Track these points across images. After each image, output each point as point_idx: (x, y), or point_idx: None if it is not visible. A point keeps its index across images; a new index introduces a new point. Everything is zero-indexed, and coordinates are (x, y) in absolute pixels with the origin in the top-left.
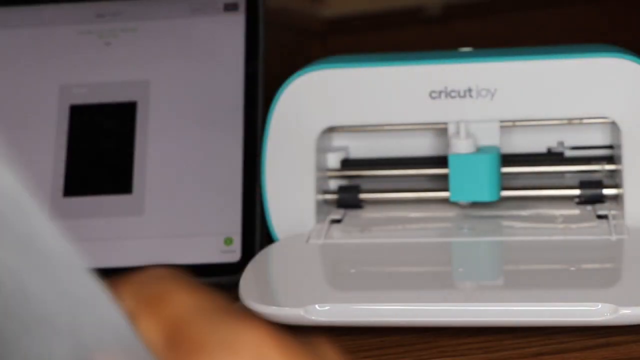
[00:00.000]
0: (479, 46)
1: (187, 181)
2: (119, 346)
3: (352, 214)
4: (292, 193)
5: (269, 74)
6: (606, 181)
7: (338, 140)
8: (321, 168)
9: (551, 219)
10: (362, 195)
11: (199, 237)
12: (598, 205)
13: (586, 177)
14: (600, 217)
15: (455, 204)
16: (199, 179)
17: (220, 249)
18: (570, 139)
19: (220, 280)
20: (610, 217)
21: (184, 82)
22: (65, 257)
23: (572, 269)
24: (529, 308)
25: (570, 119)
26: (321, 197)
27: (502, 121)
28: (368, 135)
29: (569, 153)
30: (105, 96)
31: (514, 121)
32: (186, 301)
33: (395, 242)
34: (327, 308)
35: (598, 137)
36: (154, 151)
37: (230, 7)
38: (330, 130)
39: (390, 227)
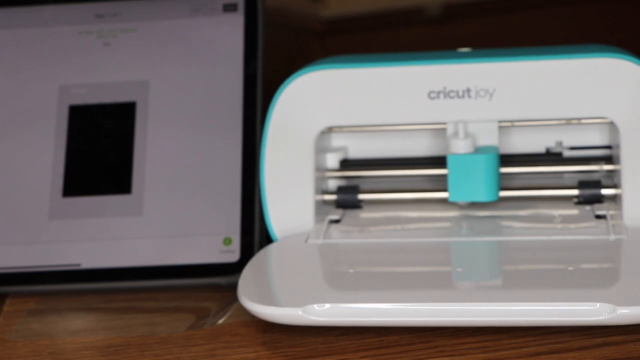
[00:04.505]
0: (479, 46)
1: (186, 181)
2: None
3: (351, 214)
4: (291, 193)
5: (269, 74)
6: (605, 181)
7: (337, 141)
8: (320, 168)
9: (550, 219)
10: (361, 196)
11: (198, 237)
12: (596, 205)
13: (585, 177)
14: (598, 217)
15: (454, 204)
16: (197, 179)
17: (219, 249)
18: (569, 139)
19: (219, 280)
20: (608, 217)
21: (183, 83)
22: None
23: (571, 268)
24: (527, 308)
25: (568, 119)
26: (320, 197)
27: (500, 121)
28: (367, 135)
29: (567, 153)
30: (105, 96)
31: (512, 121)
32: None
33: (394, 242)
34: (325, 308)
35: (596, 137)
36: (153, 151)
37: (230, 8)
38: (330, 130)
39: (389, 227)
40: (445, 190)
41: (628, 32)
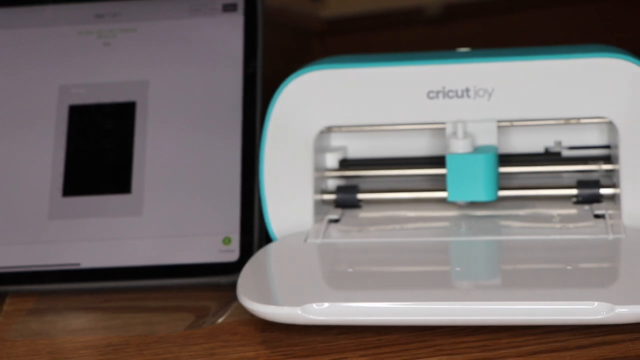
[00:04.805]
0: (479, 46)
1: (185, 181)
2: None
3: (350, 213)
4: (290, 193)
5: (269, 74)
6: (603, 181)
7: (336, 140)
8: (319, 168)
9: (548, 219)
10: (360, 195)
11: (198, 236)
12: (595, 205)
13: (583, 176)
14: (597, 216)
15: (453, 203)
16: (197, 178)
17: (219, 248)
18: (568, 139)
19: (218, 279)
20: (607, 217)
21: (182, 83)
22: None
23: (569, 268)
24: (526, 307)
25: (567, 119)
26: (319, 196)
27: (499, 121)
28: (366, 135)
29: (566, 153)
30: (104, 96)
31: (511, 121)
32: None
33: (392, 241)
34: (324, 307)
35: (595, 137)
36: (152, 151)
37: (229, 8)
38: (329, 130)
39: (388, 226)
40: (444, 189)
41: (628, 32)
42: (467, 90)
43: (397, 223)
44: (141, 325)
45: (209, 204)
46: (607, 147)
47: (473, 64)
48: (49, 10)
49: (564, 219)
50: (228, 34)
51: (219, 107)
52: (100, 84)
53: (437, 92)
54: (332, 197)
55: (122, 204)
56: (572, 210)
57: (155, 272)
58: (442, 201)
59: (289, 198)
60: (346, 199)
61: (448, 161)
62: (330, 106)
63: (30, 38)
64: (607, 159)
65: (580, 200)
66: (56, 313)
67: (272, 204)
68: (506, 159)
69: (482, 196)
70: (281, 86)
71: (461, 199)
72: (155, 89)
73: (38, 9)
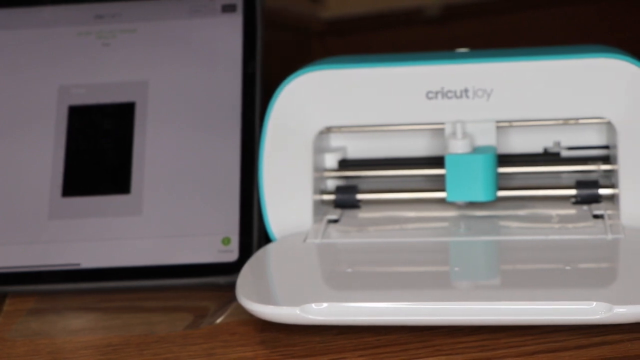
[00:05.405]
0: (478, 46)
1: (185, 181)
2: None
3: (350, 214)
4: (289, 193)
5: (269, 74)
6: (602, 181)
7: (336, 141)
8: (319, 168)
9: (547, 219)
10: (360, 196)
11: (197, 237)
12: (594, 205)
13: (582, 177)
14: (596, 216)
15: (452, 204)
16: (196, 179)
17: (218, 248)
18: (567, 139)
19: (217, 280)
20: (606, 217)
21: (182, 83)
22: None
23: (568, 268)
24: (525, 307)
25: (566, 119)
26: (318, 197)
27: (498, 121)
28: (365, 135)
29: (565, 153)
30: (104, 97)
31: (510, 121)
32: None
33: (392, 241)
34: (323, 307)
35: (594, 137)
36: (152, 151)
37: (228, 8)
38: (328, 130)
39: (387, 227)
40: (443, 190)
41: (628, 32)
42: (466, 90)
43: (397, 223)
44: (141, 325)
45: (209, 204)
46: (606, 147)
47: (472, 64)
48: (49, 10)
49: (563, 219)
50: (227, 35)
51: (218, 107)
52: (100, 84)
53: (436, 93)
54: (331, 197)
55: (121, 204)
56: (571, 211)
57: (155, 272)
58: (441, 201)
59: (289, 198)
60: (345, 199)
61: (447, 161)
62: (330, 106)
63: (30, 38)
64: (606, 160)
65: (579, 201)
66: (56, 313)
67: (272, 204)
68: (505, 159)
69: (481, 196)
70: (281, 86)
71: (460, 199)
72: (154, 89)
73: (38, 9)
